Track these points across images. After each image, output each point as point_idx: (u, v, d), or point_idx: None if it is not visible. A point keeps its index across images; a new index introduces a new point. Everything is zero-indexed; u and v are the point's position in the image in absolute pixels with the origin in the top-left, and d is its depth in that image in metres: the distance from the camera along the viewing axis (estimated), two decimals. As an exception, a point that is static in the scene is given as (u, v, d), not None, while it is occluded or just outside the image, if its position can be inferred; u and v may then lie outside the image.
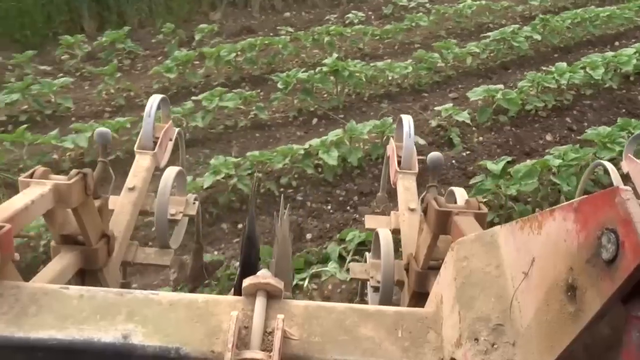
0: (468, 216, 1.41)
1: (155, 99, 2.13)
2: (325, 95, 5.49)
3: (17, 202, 1.26)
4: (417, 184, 2.13)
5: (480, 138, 4.73)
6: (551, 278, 0.77)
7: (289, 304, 1.04)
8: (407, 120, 2.23)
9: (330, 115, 5.13)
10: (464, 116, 4.66)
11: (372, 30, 6.64)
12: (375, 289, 1.88)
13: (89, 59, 6.33)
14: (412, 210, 1.95)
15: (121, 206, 1.90)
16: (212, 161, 3.83)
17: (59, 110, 5.08)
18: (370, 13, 8.18)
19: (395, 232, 2.01)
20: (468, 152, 4.53)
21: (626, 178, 1.89)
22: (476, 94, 4.89)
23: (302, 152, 4.06)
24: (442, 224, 1.43)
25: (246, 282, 1.02)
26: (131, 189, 1.95)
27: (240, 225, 3.65)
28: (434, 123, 4.82)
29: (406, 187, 2.09)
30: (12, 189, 3.61)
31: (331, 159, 3.96)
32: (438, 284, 1.12)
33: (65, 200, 1.41)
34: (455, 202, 1.79)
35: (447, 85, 5.83)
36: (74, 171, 1.45)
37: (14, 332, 0.97)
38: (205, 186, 3.65)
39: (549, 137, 4.87)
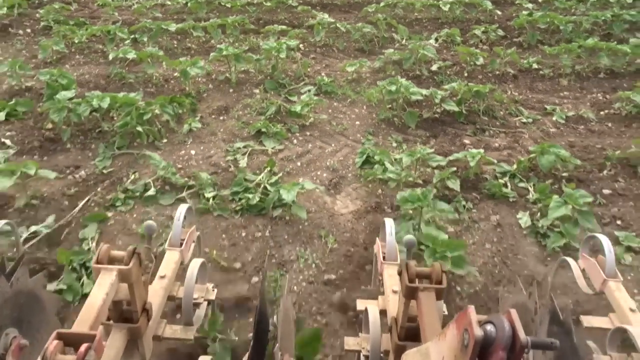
0: (430, 292, 1.90)
1: (183, 208, 2.60)
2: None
3: (96, 299, 1.77)
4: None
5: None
6: None
7: None
8: (389, 223, 2.71)
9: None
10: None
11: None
12: (367, 358, 2.24)
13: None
14: (395, 292, 2.36)
15: (154, 291, 2.31)
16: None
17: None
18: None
19: (382, 313, 2.40)
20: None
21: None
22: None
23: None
24: (410, 294, 1.94)
25: None
26: (162, 277, 2.39)
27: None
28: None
29: (390, 275, 2.52)
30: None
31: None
32: None
33: (126, 280, 1.87)
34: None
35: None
36: (130, 249, 1.92)
37: None
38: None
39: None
